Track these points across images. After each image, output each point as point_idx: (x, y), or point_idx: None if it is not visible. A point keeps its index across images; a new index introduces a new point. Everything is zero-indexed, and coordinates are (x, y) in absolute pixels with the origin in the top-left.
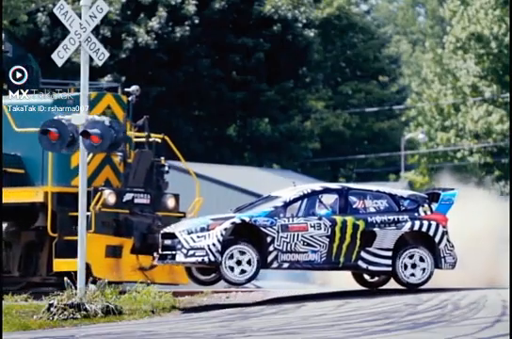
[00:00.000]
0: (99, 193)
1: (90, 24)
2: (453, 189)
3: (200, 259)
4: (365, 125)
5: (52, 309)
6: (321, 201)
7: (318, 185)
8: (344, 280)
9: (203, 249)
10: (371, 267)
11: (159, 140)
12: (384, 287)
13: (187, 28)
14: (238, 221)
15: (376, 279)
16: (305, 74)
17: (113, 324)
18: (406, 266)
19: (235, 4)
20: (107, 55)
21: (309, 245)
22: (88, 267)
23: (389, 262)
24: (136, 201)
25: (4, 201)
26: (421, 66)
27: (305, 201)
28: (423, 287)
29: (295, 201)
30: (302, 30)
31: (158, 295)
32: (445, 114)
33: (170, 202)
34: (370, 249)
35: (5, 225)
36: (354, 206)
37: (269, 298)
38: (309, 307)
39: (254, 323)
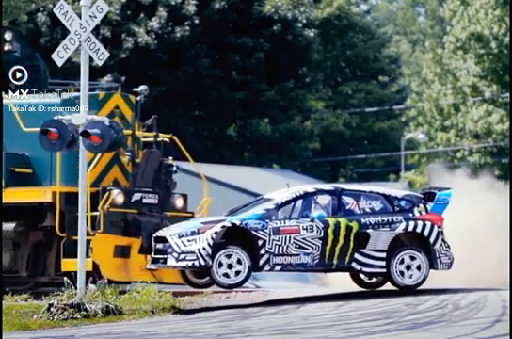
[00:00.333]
0: (107, 193)
1: (90, 24)
2: (448, 189)
3: (190, 263)
4: (365, 125)
5: (52, 309)
6: (314, 203)
7: (311, 187)
8: (344, 280)
9: (194, 253)
10: (365, 269)
11: (167, 140)
12: (383, 288)
13: (187, 28)
14: (229, 225)
15: (374, 280)
16: (305, 74)
17: (113, 324)
18: (402, 261)
19: (235, 4)
20: (107, 55)
21: (301, 247)
22: (96, 267)
23: (383, 263)
24: (144, 200)
25: (12, 200)
26: (421, 66)
27: (297, 202)
28: (423, 287)
29: (287, 203)
30: (302, 30)
31: (158, 295)
32: (445, 114)
33: (179, 202)
34: (364, 250)
35: (13, 225)
36: (347, 208)
37: (269, 299)
38: (309, 307)
39: (254, 323)
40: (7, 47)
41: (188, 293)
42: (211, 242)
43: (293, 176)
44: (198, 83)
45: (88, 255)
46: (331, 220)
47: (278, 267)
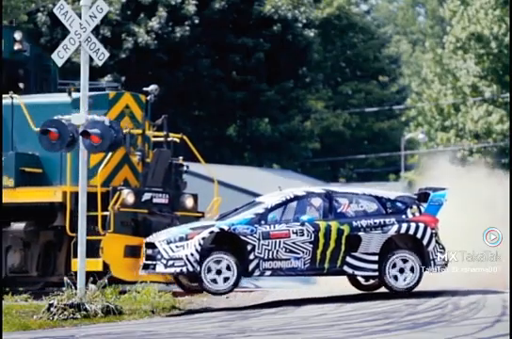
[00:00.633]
0: (118, 193)
1: (90, 24)
2: (444, 189)
3: (178, 269)
4: (365, 125)
5: (52, 309)
6: (304, 207)
7: (301, 190)
8: (344, 280)
9: (182, 259)
10: (357, 272)
11: (177, 140)
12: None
13: (187, 28)
14: (217, 230)
15: (372, 282)
16: (305, 74)
17: (113, 324)
18: (394, 265)
19: (235, 4)
20: (107, 55)
21: (291, 252)
22: (106, 267)
23: (375, 266)
24: (154, 200)
25: (22, 200)
26: (421, 66)
27: (288, 206)
28: (423, 287)
29: (277, 207)
30: (302, 30)
31: (158, 295)
32: (445, 114)
33: (189, 202)
34: (355, 253)
35: (23, 225)
36: (339, 210)
37: (269, 299)
38: (309, 307)
39: (254, 323)
40: (16, 47)
41: (188, 293)
42: (199, 248)
43: (293, 176)
44: (198, 83)
45: (98, 255)
46: (322, 224)
47: (268, 272)
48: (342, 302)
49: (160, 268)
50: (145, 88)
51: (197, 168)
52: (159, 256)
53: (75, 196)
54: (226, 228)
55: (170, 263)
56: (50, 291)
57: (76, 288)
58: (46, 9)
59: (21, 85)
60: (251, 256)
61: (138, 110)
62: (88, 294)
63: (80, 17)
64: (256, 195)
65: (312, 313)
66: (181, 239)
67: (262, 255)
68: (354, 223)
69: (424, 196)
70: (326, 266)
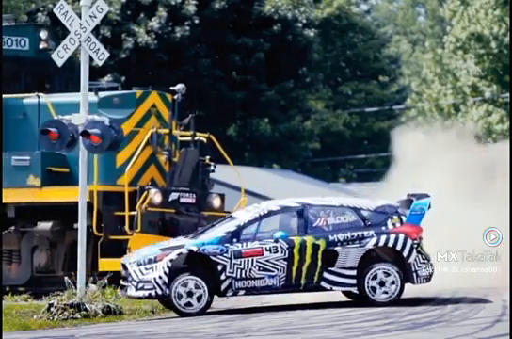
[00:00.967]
0: (145, 192)
1: (90, 24)
2: (427, 196)
3: (147, 293)
4: (365, 125)
5: (52, 309)
6: (278, 222)
7: (276, 205)
8: None
9: (151, 282)
10: (335, 288)
11: (204, 139)
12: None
13: (187, 28)
14: (185, 252)
15: None
16: (305, 74)
17: (113, 324)
18: (375, 277)
19: (235, 4)
20: (107, 55)
21: (265, 270)
22: None
23: (353, 281)
24: (181, 200)
25: (48, 200)
26: (421, 66)
27: (262, 222)
28: (423, 287)
29: (249, 223)
30: (302, 30)
31: None
32: (445, 114)
33: (216, 202)
34: (333, 269)
35: (49, 224)
36: (315, 224)
37: (269, 300)
38: (308, 307)
39: (254, 323)
40: (42, 45)
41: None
42: (167, 270)
43: (293, 176)
44: (198, 83)
45: (124, 255)
46: (296, 240)
47: (241, 292)
48: (342, 301)
49: (131, 291)
50: (172, 88)
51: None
52: (130, 278)
53: (103, 195)
54: (195, 249)
55: (140, 286)
56: (50, 291)
57: (76, 288)
58: (46, 9)
59: (46, 84)
60: (223, 276)
61: (165, 109)
62: (88, 294)
63: (80, 17)
64: (256, 195)
65: (312, 313)
66: (150, 261)
67: (234, 275)
68: (330, 237)
69: (408, 203)
70: (302, 282)
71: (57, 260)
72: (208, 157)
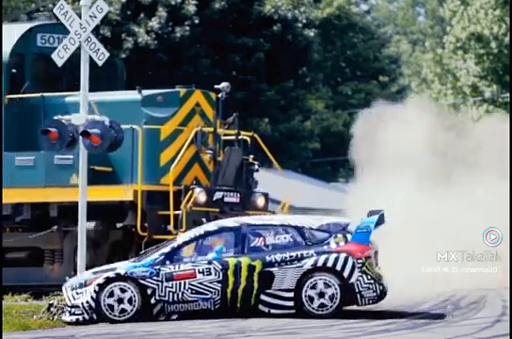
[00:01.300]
0: (190, 192)
1: (90, 24)
2: (378, 213)
3: (75, 318)
4: None
5: (52, 309)
6: (214, 243)
7: (214, 225)
8: None
9: (79, 307)
10: (273, 311)
11: (248, 138)
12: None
13: (187, 28)
14: (112, 275)
15: None
16: (305, 74)
17: (113, 324)
18: (312, 299)
19: (235, 4)
20: (107, 55)
21: (198, 293)
22: None
23: (291, 303)
24: (226, 199)
25: (92, 199)
26: (421, 66)
27: (198, 243)
28: (421, 287)
29: (184, 245)
30: (302, 30)
31: None
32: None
33: (260, 201)
34: (270, 291)
35: (92, 224)
36: (253, 245)
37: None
38: None
39: (254, 323)
40: None
41: None
42: (94, 295)
43: (293, 176)
44: (198, 83)
45: None
46: (231, 261)
47: (175, 316)
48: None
49: (66, 316)
50: (216, 86)
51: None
52: (65, 302)
53: (147, 195)
54: (122, 272)
55: (72, 310)
56: (50, 291)
57: None
58: (46, 9)
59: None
60: (153, 300)
61: (209, 108)
62: None
63: (80, 17)
64: None
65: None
66: (80, 286)
67: (166, 298)
68: (267, 258)
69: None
70: (238, 305)
71: (100, 260)
72: (252, 156)
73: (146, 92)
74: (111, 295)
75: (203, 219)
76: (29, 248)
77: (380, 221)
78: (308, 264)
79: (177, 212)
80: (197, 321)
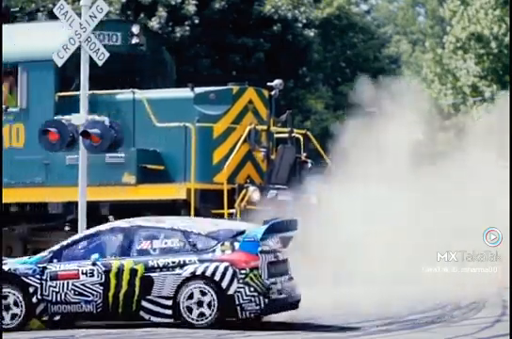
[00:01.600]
0: (244, 190)
1: (90, 24)
2: (278, 222)
3: None
4: None
5: None
6: (102, 243)
7: (108, 225)
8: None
9: None
10: (153, 318)
11: (301, 136)
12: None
13: (187, 28)
14: None
15: None
16: (305, 74)
17: (113, 324)
18: (190, 309)
19: (235, 4)
20: (107, 55)
21: (81, 294)
22: None
23: (169, 312)
24: (279, 198)
25: (144, 197)
26: (421, 66)
27: (88, 242)
28: (421, 287)
29: (73, 243)
30: (302, 30)
31: None
32: (445, 114)
33: (313, 200)
34: (150, 297)
35: None
36: (139, 247)
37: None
38: (308, 307)
39: (254, 323)
40: (134, 40)
41: None
42: None
43: None
44: (198, 83)
45: None
46: (115, 263)
47: (57, 317)
48: (342, 301)
49: None
50: (269, 83)
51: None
52: None
53: (200, 193)
54: (6, 268)
55: None
56: None
57: None
58: (46, 9)
59: (137, 79)
60: (34, 299)
61: (262, 106)
62: None
63: (80, 17)
64: None
65: (311, 313)
66: None
67: (49, 298)
68: (150, 263)
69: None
70: (120, 310)
71: None
72: (305, 154)
73: (198, 90)
74: None
75: (110, 217)
76: None
77: (281, 230)
78: (187, 271)
79: (231, 210)
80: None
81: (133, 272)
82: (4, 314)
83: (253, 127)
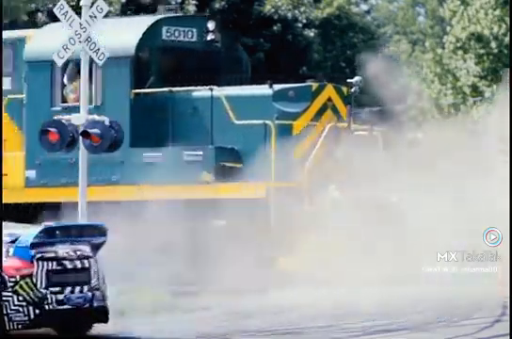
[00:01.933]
0: (324, 188)
1: (90, 24)
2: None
3: None
4: None
5: None
6: None
7: None
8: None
9: None
10: None
11: (379, 134)
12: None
13: None
14: None
15: None
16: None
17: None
18: None
19: (235, 4)
20: (107, 55)
21: None
22: None
23: None
24: (358, 196)
25: (222, 196)
26: (421, 66)
27: None
28: (421, 287)
29: None
30: (302, 30)
31: (158, 295)
32: (445, 114)
33: (393, 198)
34: None
35: (224, 222)
36: None
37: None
38: (308, 307)
39: (254, 323)
40: (209, 37)
41: (188, 293)
42: None
43: None
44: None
45: None
46: None
47: None
48: (342, 301)
49: None
50: (349, 80)
51: None
52: None
53: (280, 192)
54: None
55: None
56: None
57: None
58: (46, 9)
59: (213, 76)
60: None
61: (341, 103)
62: None
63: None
64: None
65: (311, 313)
66: None
67: None
68: None
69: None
70: None
71: None
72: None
73: (277, 87)
74: None
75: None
76: None
77: (66, 235)
78: None
79: (311, 209)
80: (197, 321)
81: None
82: None
83: (333, 125)
